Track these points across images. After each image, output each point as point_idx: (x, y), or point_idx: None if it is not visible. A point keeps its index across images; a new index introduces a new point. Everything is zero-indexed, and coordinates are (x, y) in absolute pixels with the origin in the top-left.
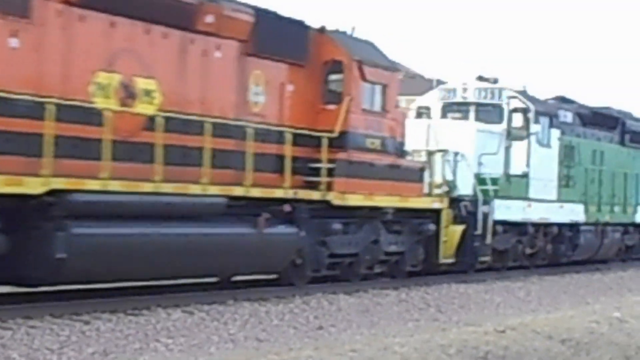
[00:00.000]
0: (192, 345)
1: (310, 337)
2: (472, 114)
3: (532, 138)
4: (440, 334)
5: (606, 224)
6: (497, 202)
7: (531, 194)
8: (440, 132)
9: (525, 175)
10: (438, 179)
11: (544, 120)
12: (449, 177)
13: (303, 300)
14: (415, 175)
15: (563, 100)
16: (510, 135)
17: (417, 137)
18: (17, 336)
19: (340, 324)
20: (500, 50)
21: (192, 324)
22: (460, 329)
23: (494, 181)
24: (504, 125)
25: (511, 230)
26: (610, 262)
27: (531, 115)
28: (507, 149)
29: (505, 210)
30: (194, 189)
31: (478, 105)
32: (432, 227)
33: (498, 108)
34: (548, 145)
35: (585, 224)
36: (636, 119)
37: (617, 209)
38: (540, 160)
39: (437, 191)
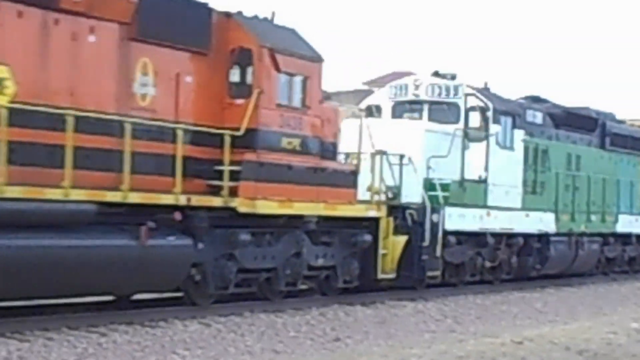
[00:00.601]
0: (209, 357)
1: (327, 348)
2: (425, 113)
3: (492, 139)
4: (457, 345)
5: (582, 234)
6: (448, 210)
7: (490, 201)
8: (384, 133)
9: (483, 181)
10: (377, 185)
11: (506, 120)
12: (391, 182)
13: (320, 312)
14: (346, 179)
15: (536, 99)
16: (467, 136)
17: (352, 138)
18: (34, 348)
19: (357, 336)
20: (493, 51)
21: (209, 335)
22: (478, 340)
23: (445, 187)
24: (459, 125)
25: (468, 242)
26: (588, 277)
27: (490, 114)
28: (463, 152)
29: (458, 219)
30: (52, 193)
31: (432, 103)
32: (367, 238)
33: (454, 106)
34: (510, 148)
35: (557, 234)
36: (618, 121)
37: (594, 217)
38: (501, 164)
39: (377, 198)
